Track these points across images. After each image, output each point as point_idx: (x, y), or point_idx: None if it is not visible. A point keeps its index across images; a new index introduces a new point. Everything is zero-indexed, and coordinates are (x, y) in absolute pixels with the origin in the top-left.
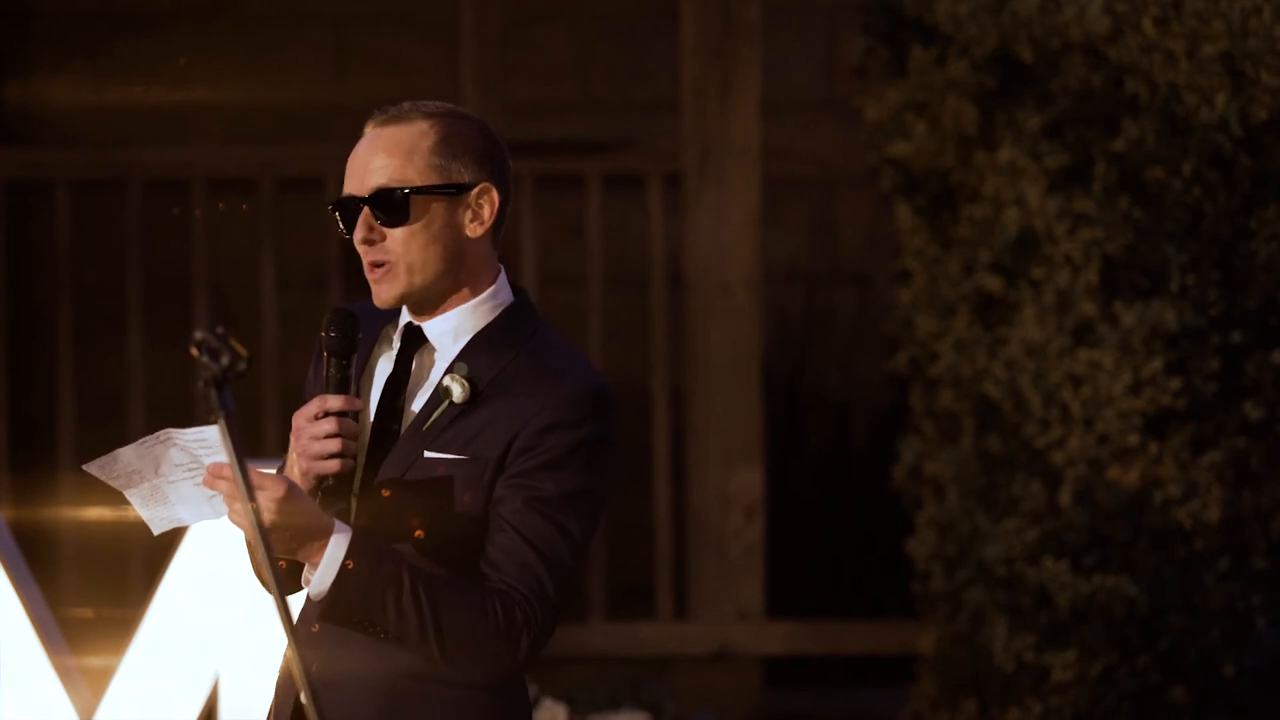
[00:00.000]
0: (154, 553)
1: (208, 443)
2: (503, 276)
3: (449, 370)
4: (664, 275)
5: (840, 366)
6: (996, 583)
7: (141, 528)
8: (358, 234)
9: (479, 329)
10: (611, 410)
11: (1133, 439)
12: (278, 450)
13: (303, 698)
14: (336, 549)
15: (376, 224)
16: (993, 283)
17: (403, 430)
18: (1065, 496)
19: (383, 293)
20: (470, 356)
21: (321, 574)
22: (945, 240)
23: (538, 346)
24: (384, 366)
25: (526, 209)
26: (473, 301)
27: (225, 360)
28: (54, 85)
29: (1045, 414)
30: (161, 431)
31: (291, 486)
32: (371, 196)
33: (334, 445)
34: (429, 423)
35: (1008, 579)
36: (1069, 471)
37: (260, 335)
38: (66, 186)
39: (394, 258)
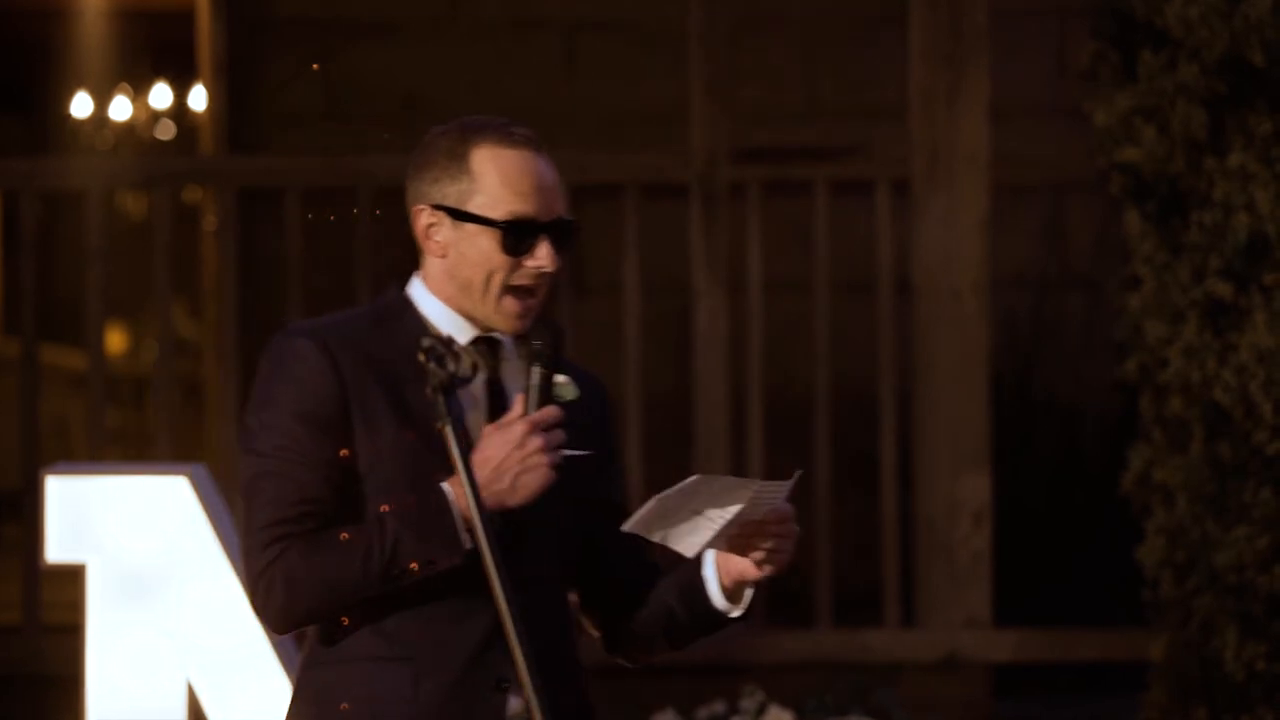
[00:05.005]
0: None
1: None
2: None
3: (542, 373)
4: (891, 281)
5: (1068, 372)
6: (1227, 590)
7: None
8: (546, 259)
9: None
10: None
11: None
12: None
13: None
14: None
15: (554, 250)
16: (1223, 289)
17: None
18: None
19: (528, 319)
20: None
21: None
22: (1175, 246)
23: None
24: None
25: (753, 215)
26: None
27: (452, 367)
28: (286, 93)
29: (1276, 421)
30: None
31: None
32: (557, 222)
33: (545, 459)
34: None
35: (1238, 587)
36: None
37: None
38: (297, 194)
39: (546, 284)
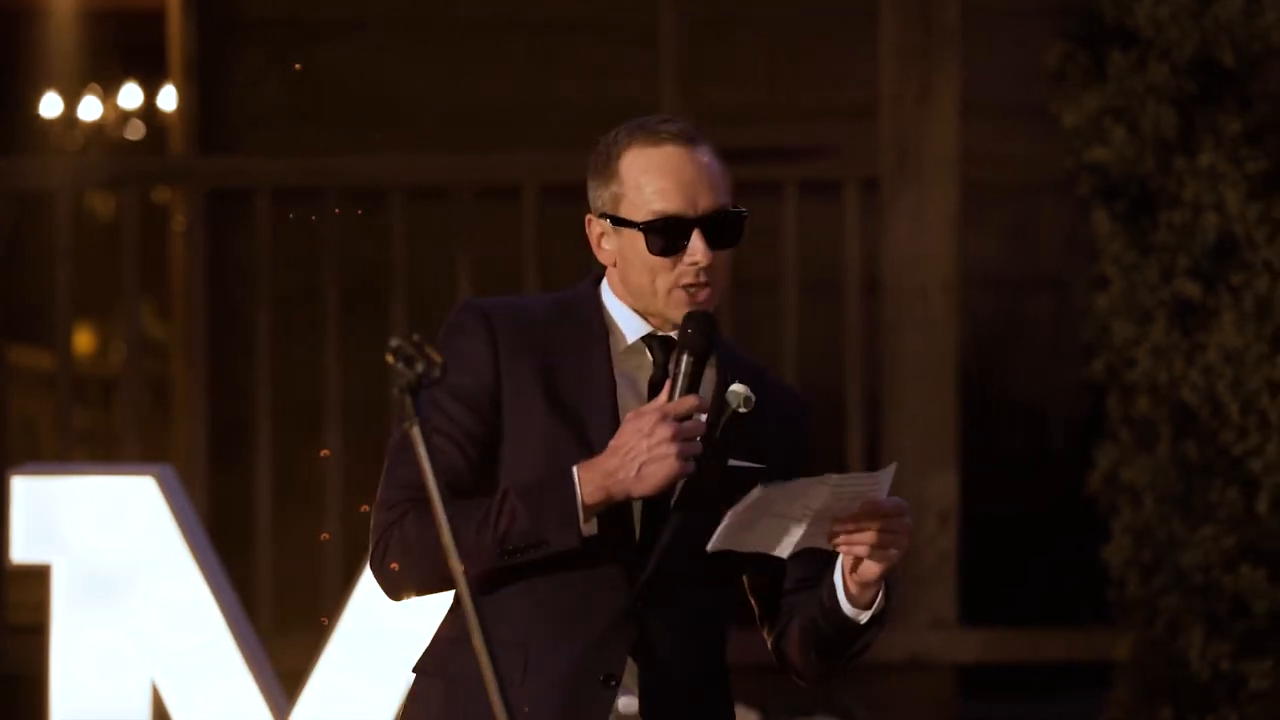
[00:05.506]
0: (350, 553)
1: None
2: None
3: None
4: (859, 281)
5: (1036, 372)
6: (1193, 590)
7: (336, 530)
8: (700, 254)
9: None
10: None
11: None
12: None
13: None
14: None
15: (708, 245)
16: (1191, 289)
17: None
18: (1263, 504)
19: (706, 307)
20: (722, 367)
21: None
22: (1143, 246)
23: (727, 350)
24: (627, 374)
25: None
26: None
27: (420, 367)
28: (256, 94)
29: (1243, 421)
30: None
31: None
32: (710, 215)
33: (673, 449)
34: (717, 430)
35: (1204, 586)
36: (1267, 479)
37: None
38: (267, 194)
39: (715, 279)
